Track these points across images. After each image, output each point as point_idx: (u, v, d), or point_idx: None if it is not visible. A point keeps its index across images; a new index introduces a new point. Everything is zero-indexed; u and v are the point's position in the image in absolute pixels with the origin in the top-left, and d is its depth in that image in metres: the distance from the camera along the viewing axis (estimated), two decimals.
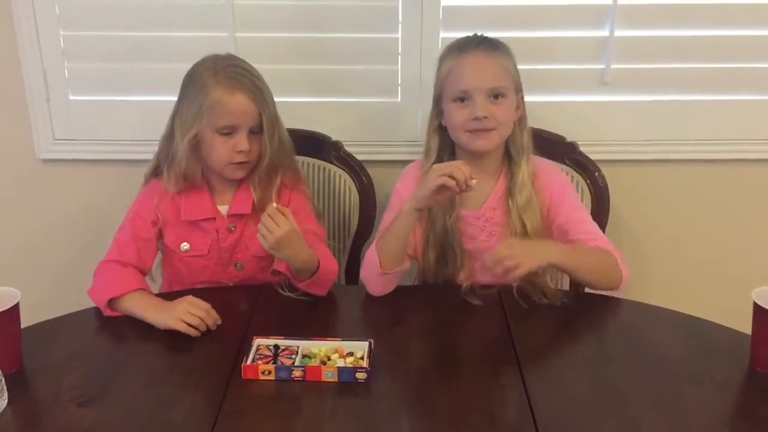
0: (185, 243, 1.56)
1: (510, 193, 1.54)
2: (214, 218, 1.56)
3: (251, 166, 1.54)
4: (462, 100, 1.49)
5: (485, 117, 1.47)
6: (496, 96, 1.49)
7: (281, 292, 1.48)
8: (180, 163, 1.51)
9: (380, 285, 1.50)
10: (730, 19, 1.82)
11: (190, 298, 1.37)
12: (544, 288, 1.47)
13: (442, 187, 1.39)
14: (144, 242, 1.54)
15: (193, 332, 1.33)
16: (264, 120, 1.49)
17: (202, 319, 1.34)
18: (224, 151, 1.49)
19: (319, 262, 1.45)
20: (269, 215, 1.38)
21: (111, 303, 1.40)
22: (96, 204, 1.90)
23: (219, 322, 1.36)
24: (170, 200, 1.55)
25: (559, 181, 1.60)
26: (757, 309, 1.21)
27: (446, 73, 1.51)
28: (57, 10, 1.81)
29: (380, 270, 1.47)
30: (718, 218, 1.98)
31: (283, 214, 1.38)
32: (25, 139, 1.92)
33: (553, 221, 1.55)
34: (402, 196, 1.53)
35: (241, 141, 1.48)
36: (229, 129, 1.48)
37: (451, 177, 1.37)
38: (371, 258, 1.48)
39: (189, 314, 1.33)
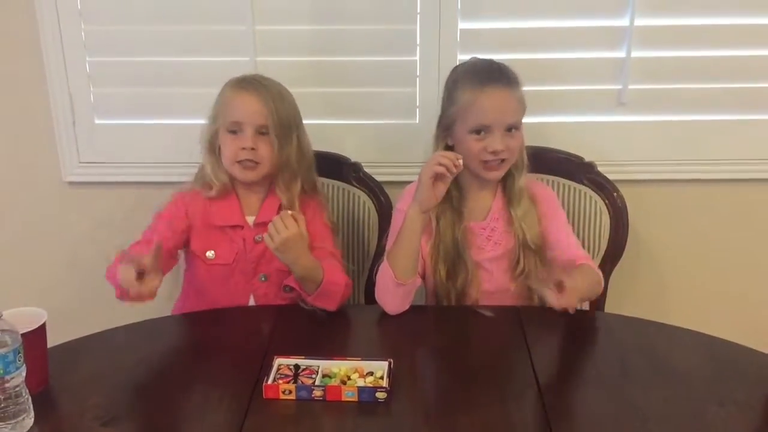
0: (211, 251, 1.59)
1: (510, 203, 1.59)
2: (242, 227, 1.59)
3: (262, 171, 1.57)
4: (479, 131, 1.52)
5: (502, 150, 1.51)
6: (511, 129, 1.52)
7: (303, 306, 1.51)
8: (206, 168, 1.59)
9: (396, 300, 1.51)
10: (747, 38, 1.82)
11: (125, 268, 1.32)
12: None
13: (436, 179, 1.45)
14: (168, 254, 1.54)
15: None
16: (269, 122, 1.53)
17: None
18: (232, 149, 1.55)
19: (323, 274, 1.47)
20: (281, 217, 1.42)
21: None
22: (121, 226, 1.93)
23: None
24: (200, 206, 1.60)
25: (551, 196, 1.66)
26: None
27: (466, 104, 1.52)
28: (83, 36, 1.86)
29: (395, 281, 1.48)
30: (738, 238, 1.97)
31: (295, 220, 1.42)
32: (51, 161, 1.96)
33: (544, 232, 1.60)
34: (403, 215, 1.55)
35: (246, 139, 1.53)
36: (236, 126, 1.54)
37: (440, 165, 1.44)
38: (385, 273, 1.50)
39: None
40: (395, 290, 1.50)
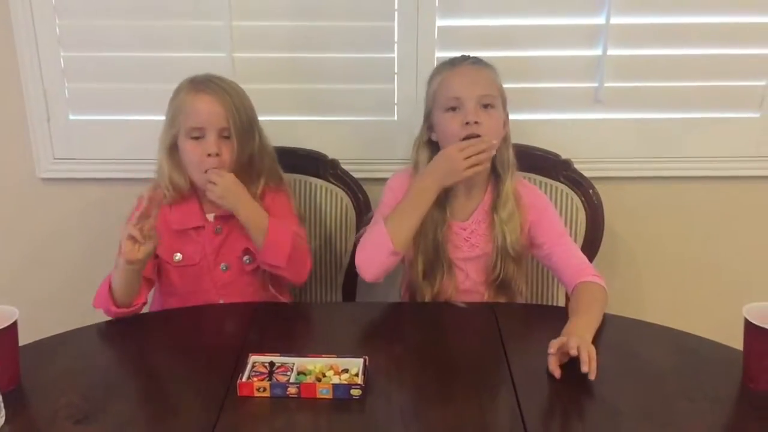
0: (177, 253, 1.58)
1: (495, 206, 1.58)
2: (203, 226, 1.59)
3: None
4: (454, 109, 1.52)
5: (476, 122, 1.49)
6: (486, 106, 1.52)
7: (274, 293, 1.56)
8: (164, 173, 1.56)
9: (384, 267, 1.51)
10: (722, 37, 1.84)
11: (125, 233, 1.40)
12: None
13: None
14: None
15: (138, 249, 1.40)
16: (230, 122, 1.52)
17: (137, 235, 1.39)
18: (196, 156, 1.53)
19: (269, 222, 1.52)
20: (209, 176, 1.49)
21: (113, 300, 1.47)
22: (95, 222, 1.92)
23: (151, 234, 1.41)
24: (161, 212, 1.56)
25: (541, 203, 1.63)
26: (748, 325, 1.22)
27: (437, 86, 1.54)
28: (57, 31, 1.84)
29: (393, 250, 1.48)
30: (712, 235, 1.99)
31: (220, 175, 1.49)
32: (25, 158, 1.94)
33: (535, 240, 1.60)
34: (396, 194, 1.56)
35: (210, 144, 1.51)
36: (198, 132, 1.52)
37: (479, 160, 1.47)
38: (380, 238, 1.49)
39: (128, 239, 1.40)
40: (389, 258, 1.49)
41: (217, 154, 1.52)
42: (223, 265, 1.60)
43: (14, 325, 1.23)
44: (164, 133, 1.57)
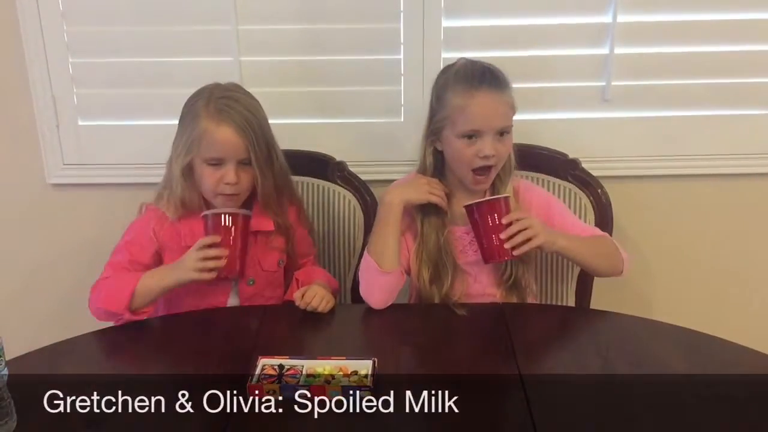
0: None
1: None
2: None
3: (242, 198, 1.57)
4: (470, 137, 1.50)
5: (492, 155, 1.49)
6: (502, 133, 1.51)
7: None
8: (176, 190, 1.54)
9: (383, 292, 1.52)
10: (730, 34, 1.83)
11: (193, 249, 1.45)
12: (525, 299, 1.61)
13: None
14: (141, 266, 1.56)
15: (208, 276, 1.44)
16: (252, 154, 1.50)
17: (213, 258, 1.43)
18: (212, 182, 1.51)
19: (331, 285, 1.62)
20: (305, 300, 1.50)
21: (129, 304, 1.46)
22: (105, 228, 1.91)
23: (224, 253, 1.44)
24: (170, 226, 1.57)
25: (545, 201, 1.63)
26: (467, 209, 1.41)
27: (456, 108, 1.50)
28: (66, 37, 1.85)
29: (380, 271, 1.49)
30: (721, 233, 1.99)
31: (303, 294, 1.51)
32: (34, 164, 1.95)
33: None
34: None
35: (228, 173, 1.50)
36: (217, 161, 1.50)
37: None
38: (368, 265, 1.51)
39: (200, 261, 1.43)
40: (381, 280, 1.50)
41: (236, 183, 1.51)
42: (250, 280, 1.60)
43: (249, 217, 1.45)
44: (179, 153, 1.53)
